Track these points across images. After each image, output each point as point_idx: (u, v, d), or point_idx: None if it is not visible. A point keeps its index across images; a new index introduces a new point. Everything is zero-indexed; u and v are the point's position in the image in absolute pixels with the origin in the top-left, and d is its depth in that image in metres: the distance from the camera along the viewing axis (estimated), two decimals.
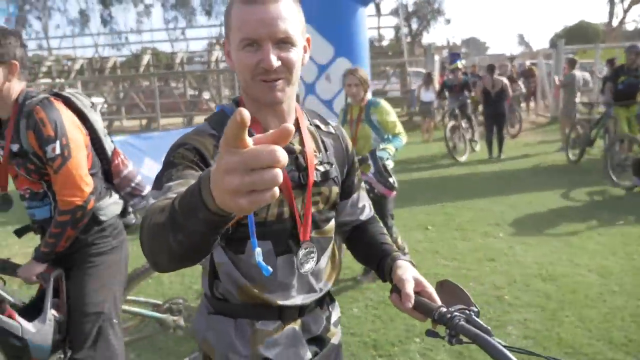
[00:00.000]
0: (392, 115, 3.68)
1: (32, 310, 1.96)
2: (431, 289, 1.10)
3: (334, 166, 1.23)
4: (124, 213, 2.21)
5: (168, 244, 0.78)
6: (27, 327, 1.85)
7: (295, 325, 1.22)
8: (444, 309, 1.01)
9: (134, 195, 2.21)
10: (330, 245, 1.27)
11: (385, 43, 31.22)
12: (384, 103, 3.68)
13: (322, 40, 9.80)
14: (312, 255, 1.19)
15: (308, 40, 1.15)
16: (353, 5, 7.70)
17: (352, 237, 1.37)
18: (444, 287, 1.11)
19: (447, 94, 10.72)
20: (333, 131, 1.29)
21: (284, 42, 1.03)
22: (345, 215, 1.35)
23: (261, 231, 1.07)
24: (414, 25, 38.63)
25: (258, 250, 0.95)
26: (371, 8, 22.08)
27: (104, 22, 39.78)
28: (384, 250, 1.25)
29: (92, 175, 1.96)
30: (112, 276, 2.09)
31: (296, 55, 1.06)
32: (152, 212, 0.85)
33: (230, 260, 1.16)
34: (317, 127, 1.26)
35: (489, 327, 0.95)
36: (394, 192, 3.59)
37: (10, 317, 1.85)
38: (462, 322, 0.96)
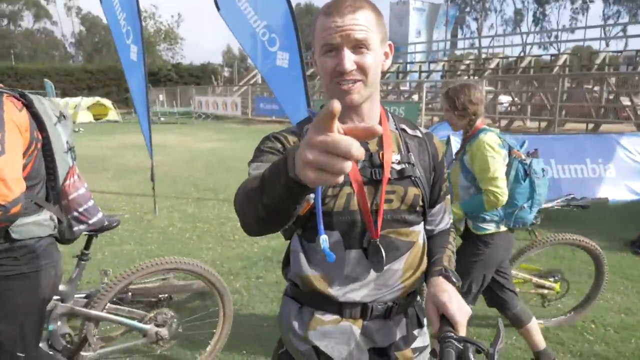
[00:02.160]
0: (486, 159, 2.46)
1: None
2: (454, 311, 1.05)
3: (415, 168, 1.24)
4: (62, 239, 1.99)
5: (255, 206, 0.94)
6: None
7: (355, 325, 1.23)
8: (450, 334, 0.99)
9: (81, 221, 2.02)
10: (410, 251, 1.26)
11: None
12: (485, 138, 2.50)
13: None
14: (382, 253, 1.20)
15: (390, 47, 1.22)
16: None
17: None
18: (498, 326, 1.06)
19: None
20: (420, 135, 1.31)
21: (360, 47, 1.11)
22: (425, 224, 1.35)
23: (328, 221, 1.17)
24: None
25: (323, 236, 1.02)
26: None
27: (536, 20, 40.07)
28: (435, 262, 1.28)
29: (28, 187, 1.75)
30: (19, 307, 1.82)
31: (372, 59, 1.13)
32: (247, 181, 1.03)
33: (302, 249, 1.25)
34: (403, 130, 1.30)
35: None
36: None
37: None
38: (450, 349, 0.94)
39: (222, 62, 58.69)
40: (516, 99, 20.24)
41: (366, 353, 1.24)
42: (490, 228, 2.61)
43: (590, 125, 16.20)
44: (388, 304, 1.24)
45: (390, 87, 25.08)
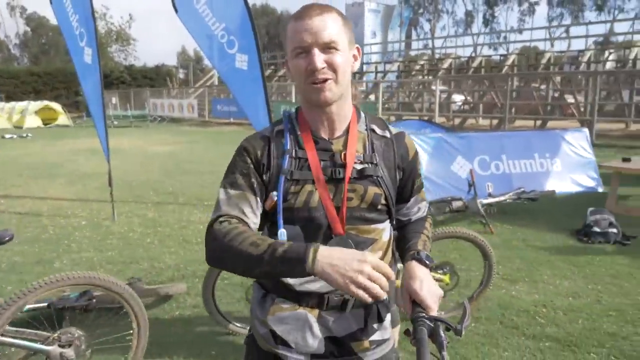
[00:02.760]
0: None
1: None
2: (423, 296, 1.13)
3: (377, 167, 1.29)
4: None
5: (250, 267, 1.11)
6: None
7: (311, 313, 1.29)
8: (422, 314, 1.07)
9: None
10: (371, 247, 1.30)
11: None
12: None
13: None
14: (351, 245, 1.23)
15: (358, 49, 1.29)
16: None
17: (397, 234, 1.46)
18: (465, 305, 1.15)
19: None
20: (388, 136, 1.35)
21: (329, 47, 1.19)
22: (399, 216, 1.42)
23: (289, 216, 1.25)
24: None
25: (282, 230, 1.14)
26: None
27: (486, 22, 41.51)
28: (410, 247, 1.33)
29: None
30: None
31: (341, 58, 1.20)
32: (237, 232, 1.15)
33: None
34: (372, 130, 1.34)
35: (444, 343, 1.00)
36: None
37: None
38: (422, 327, 1.03)
39: (177, 64, 57.72)
40: (468, 97, 20.93)
41: (322, 341, 1.29)
42: None
43: (538, 122, 16.95)
44: (344, 296, 1.28)
45: None
